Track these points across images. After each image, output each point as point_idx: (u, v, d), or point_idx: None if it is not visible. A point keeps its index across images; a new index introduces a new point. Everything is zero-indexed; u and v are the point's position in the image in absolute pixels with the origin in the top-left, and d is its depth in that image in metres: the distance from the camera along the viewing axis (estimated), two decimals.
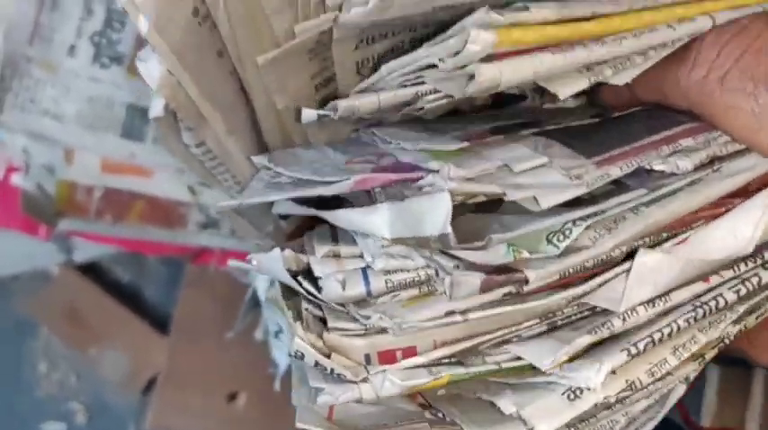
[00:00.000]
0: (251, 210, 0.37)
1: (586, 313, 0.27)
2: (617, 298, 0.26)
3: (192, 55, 0.28)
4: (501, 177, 0.25)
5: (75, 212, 0.64)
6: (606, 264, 0.26)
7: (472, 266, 0.24)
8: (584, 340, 0.25)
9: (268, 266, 0.28)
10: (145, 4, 0.25)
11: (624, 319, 0.26)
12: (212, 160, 0.33)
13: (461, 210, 0.25)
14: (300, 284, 0.27)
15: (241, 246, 0.68)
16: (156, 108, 0.30)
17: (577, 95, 0.34)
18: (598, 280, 0.26)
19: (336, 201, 0.29)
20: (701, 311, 0.26)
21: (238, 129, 0.32)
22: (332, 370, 0.26)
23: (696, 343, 0.26)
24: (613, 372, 0.26)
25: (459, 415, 0.27)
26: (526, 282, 0.25)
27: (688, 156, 0.26)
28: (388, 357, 0.26)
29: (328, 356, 0.26)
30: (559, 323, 0.27)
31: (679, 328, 0.26)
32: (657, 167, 0.26)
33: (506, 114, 0.33)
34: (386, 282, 0.26)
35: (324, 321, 0.27)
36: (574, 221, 0.25)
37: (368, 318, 0.26)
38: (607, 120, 0.30)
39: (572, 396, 0.26)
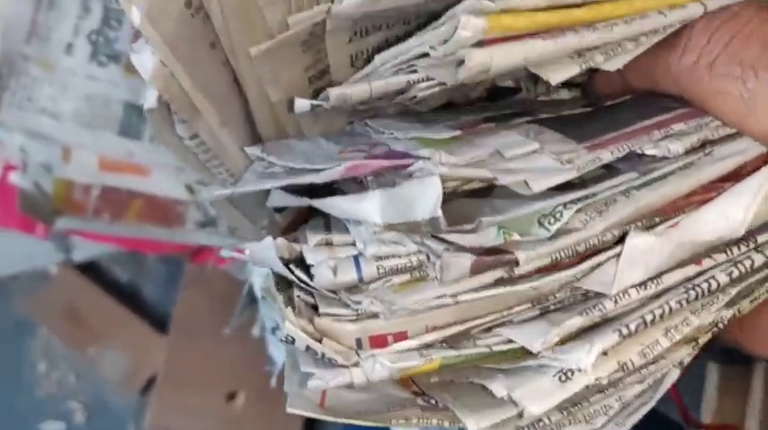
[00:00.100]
0: (246, 203, 0.36)
1: (579, 298, 0.27)
2: (609, 281, 0.26)
3: (184, 46, 0.27)
4: (492, 163, 0.25)
5: (73, 211, 0.64)
6: (598, 249, 0.26)
7: (462, 249, 0.24)
8: (576, 322, 0.25)
9: (261, 255, 0.28)
10: None
11: (616, 301, 0.26)
12: (206, 153, 0.33)
13: (453, 196, 0.25)
14: (293, 272, 0.27)
15: (240, 244, 0.68)
16: (150, 99, 0.29)
17: (571, 87, 0.34)
18: (590, 262, 0.26)
19: (329, 192, 0.29)
20: (693, 293, 0.26)
21: (232, 121, 0.32)
22: (323, 354, 0.26)
23: (688, 325, 0.26)
24: (605, 354, 0.26)
25: (451, 400, 0.27)
26: (516, 263, 0.25)
27: (679, 140, 0.26)
28: (379, 342, 0.26)
29: (320, 341, 0.26)
30: (552, 308, 0.27)
31: (671, 310, 0.26)
32: (649, 152, 0.26)
33: (500, 106, 0.32)
34: (377, 268, 0.26)
35: (315, 308, 0.27)
36: (565, 204, 0.25)
37: (359, 303, 0.26)
38: (599, 109, 0.30)
39: (563, 378, 0.25)
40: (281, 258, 0.27)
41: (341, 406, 0.28)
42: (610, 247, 0.26)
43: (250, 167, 0.33)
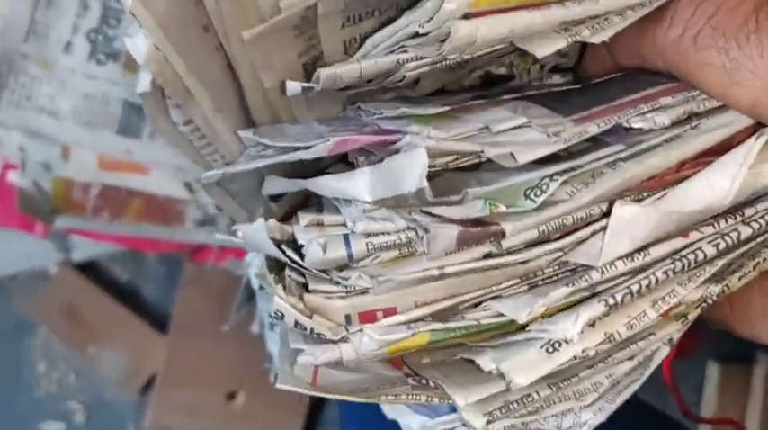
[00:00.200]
0: (241, 191, 0.37)
1: (567, 273, 0.27)
2: (595, 253, 0.26)
3: (177, 29, 0.28)
4: (480, 138, 0.26)
5: (73, 210, 0.64)
6: (584, 222, 0.26)
7: (449, 221, 0.24)
8: (561, 292, 0.25)
9: (253, 237, 0.28)
10: None
11: (602, 272, 0.26)
12: (201, 139, 0.33)
13: (441, 173, 0.25)
14: (284, 253, 0.27)
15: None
16: (143, 83, 0.30)
17: (564, 72, 0.34)
18: (576, 235, 0.26)
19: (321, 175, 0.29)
20: (679, 264, 0.26)
21: (226, 106, 0.32)
22: (312, 329, 0.26)
23: (675, 296, 0.26)
24: (592, 325, 0.26)
25: (441, 378, 0.27)
26: (503, 235, 0.25)
27: (665, 112, 0.26)
28: (368, 317, 0.26)
29: (309, 317, 0.26)
30: (540, 283, 0.27)
31: (657, 281, 0.26)
32: (635, 125, 0.26)
33: (492, 93, 0.33)
34: (367, 245, 0.26)
35: (306, 287, 0.27)
36: (551, 176, 0.25)
37: (347, 278, 0.26)
38: (587, 86, 0.31)
39: (550, 349, 0.25)
40: (273, 239, 0.28)
41: (332, 385, 0.28)
42: (596, 221, 0.26)
43: (244, 152, 0.33)
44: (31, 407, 0.90)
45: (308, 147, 0.27)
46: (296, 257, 0.27)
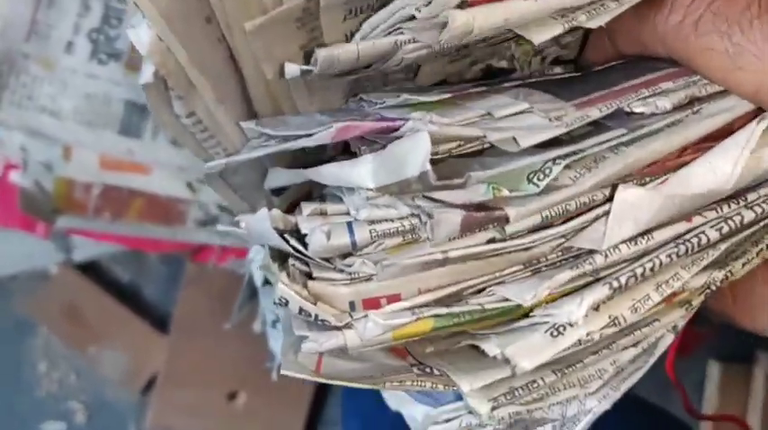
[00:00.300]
0: (243, 185, 0.37)
1: (570, 259, 0.27)
2: (599, 237, 0.26)
3: (180, 20, 0.28)
4: (482, 123, 0.26)
5: (74, 209, 0.64)
6: (588, 207, 0.26)
7: (453, 206, 0.24)
8: (566, 275, 0.25)
9: (256, 227, 0.28)
10: None
11: (606, 256, 0.26)
12: (203, 132, 0.33)
13: (444, 159, 0.26)
14: (287, 242, 0.27)
15: (240, 243, 0.68)
16: (146, 74, 0.30)
17: (565, 63, 0.34)
18: (579, 220, 0.26)
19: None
20: (683, 248, 0.26)
21: (228, 98, 0.32)
22: (316, 316, 0.26)
23: (678, 279, 0.26)
24: (596, 309, 0.26)
25: (446, 365, 0.27)
26: (507, 220, 0.25)
27: (667, 97, 0.27)
28: (372, 304, 0.26)
29: (314, 304, 0.26)
30: (543, 269, 0.27)
31: (661, 264, 0.26)
32: (637, 109, 0.26)
33: (494, 82, 0.33)
34: (370, 232, 0.26)
35: (309, 276, 0.27)
36: (554, 160, 0.25)
37: (351, 265, 0.26)
38: (588, 72, 0.31)
39: (555, 333, 0.26)
40: (276, 229, 0.28)
41: (336, 373, 0.28)
42: (599, 205, 0.26)
43: (247, 145, 0.33)
44: (32, 407, 0.90)
45: (311, 135, 0.27)
46: (299, 246, 0.27)
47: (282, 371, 0.27)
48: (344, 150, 0.32)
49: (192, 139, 0.34)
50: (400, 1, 0.26)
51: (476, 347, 0.28)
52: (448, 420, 0.30)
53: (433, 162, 0.23)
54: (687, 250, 0.26)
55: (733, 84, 0.26)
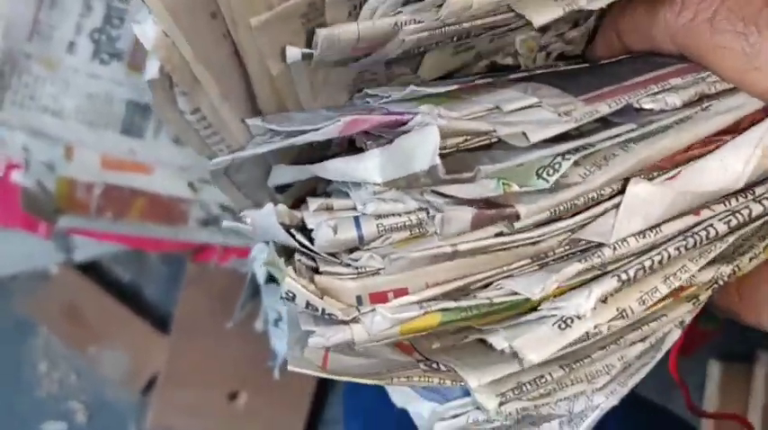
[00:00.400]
0: (247, 182, 0.37)
1: (578, 253, 0.27)
2: (607, 231, 0.26)
3: (185, 15, 0.28)
4: (491, 117, 0.26)
5: (76, 209, 0.64)
6: (596, 202, 0.26)
7: (463, 202, 0.24)
8: (574, 268, 0.25)
9: (261, 222, 0.28)
10: None
11: (615, 249, 0.26)
12: (207, 128, 0.33)
13: (452, 153, 0.25)
14: (293, 237, 0.27)
15: (242, 243, 0.68)
16: (151, 70, 0.30)
17: (570, 60, 0.34)
18: (588, 213, 0.26)
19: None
20: (691, 241, 0.26)
21: (233, 94, 0.32)
22: (323, 310, 0.26)
23: (686, 271, 0.26)
24: (604, 301, 0.26)
25: (453, 361, 0.27)
26: (517, 217, 0.25)
27: (677, 93, 0.27)
28: (379, 298, 0.26)
29: (320, 298, 0.26)
30: (551, 263, 0.27)
31: (669, 256, 0.26)
32: (646, 105, 0.26)
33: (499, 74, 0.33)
34: (377, 227, 0.26)
35: (316, 271, 0.27)
36: (563, 155, 0.25)
37: (357, 259, 0.26)
38: (595, 66, 0.31)
39: (562, 325, 0.26)
40: (282, 224, 0.28)
41: (342, 369, 0.28)
42: (608, 199, 0.26)
43: (251, 141, 0.33)
44: (32, 407, 0.90)
45: (318, 130, 0.27)
46: (305, 241, 0.27)
47: (289, 367, 0.27)
48: (349, 148, 0.32)
49: (196, 136, 0.34)
50: None
51: (482, 342, 0.27)
52: (455, 416, 0.30)
53: (440, 156, 0.23)
54: (695, 243, 0.26)
55: (749, 83, 0.26)
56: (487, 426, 0.30)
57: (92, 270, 0.87)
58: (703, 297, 0.28)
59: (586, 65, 0.31)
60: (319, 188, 0.34)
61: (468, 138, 0.25)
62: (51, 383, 0.90)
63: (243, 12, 0.28)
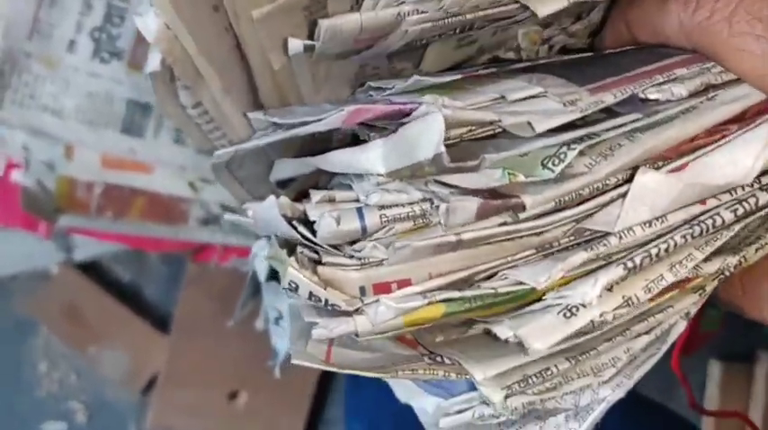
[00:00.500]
0: (249, 177, 0.37)
1: (582, 243, 0.27)
2: (612, 220, 0.26)
3: (188, 8, 0.28)
4: (496, 107, 0.26)
5: (76, 209, 0.64)
6: (601, 191, 0.26)
7: (468, 192, 0.24)
8: (580, 257, 0.25)
9: (263, 215, 0.28)
10: None
11: (620, 238, 0.26)
12: (209, 123, 0.33)
13: (456, 143, 0.25)
14: (296, 229, 0.27)
15: (242, 242, 0.68)
16: (153, 62, 0.30)
17: (573, 52, 0.34)
18: (593, 202, 0.26)
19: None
20: (697, 229, 0.26)
21: (234, 88, 0.32)
22: (326, 301, 0.26)
23: (692, 259, 0.26)
24: (610, 290, 0.26)
25: (457, 354, 0.27)
26: (523, 208, 0.25)
27: (682, 83, 0.27)
28: (383, 289, 0.26)
29: (324, 289, 0.26)
30: (555, 253, 0.27)
31: (676, 244, 0.26)
32: (652, 96, 0.26)
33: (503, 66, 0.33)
34: (380, 217, 0.26)
35: (319, 263, 0.27)
36: (568, 145, 0.25)
37: (360, 250, 0.26)
38: (600, 56, 0.31)
39: (568, 314, 0.25)
40: (284, 216, 0.27)
41: (346, 363, 0.27)
42: (613, 188, 0.26)
43: (253, 136, 0.33)
44: (32, 407, 0.90)
45: (321, 120, 0.27)
46: (308, 233, 0.27)
47: (293, 361, 0.27)
48: (351, 142, 0.32)
49: (198, 131, 0.34)
50: None
51: (487, 335, 0.27)
52: (460, 411, 0.30)
53: (445, 146, 0.23)
54: (702, 231, 0.26)
55: (766, 86, 0.26)
56: (493, 421, 0.30)
57: (91, 270, 0.87)
58: (709, 288, 0.28)
59: (591, 54, 0.31)
60: (321, 184, 0.34)
61: (473, 128, 0.25)
62: (51, 383, 0.90)
63: (245, 4, 0.28)
